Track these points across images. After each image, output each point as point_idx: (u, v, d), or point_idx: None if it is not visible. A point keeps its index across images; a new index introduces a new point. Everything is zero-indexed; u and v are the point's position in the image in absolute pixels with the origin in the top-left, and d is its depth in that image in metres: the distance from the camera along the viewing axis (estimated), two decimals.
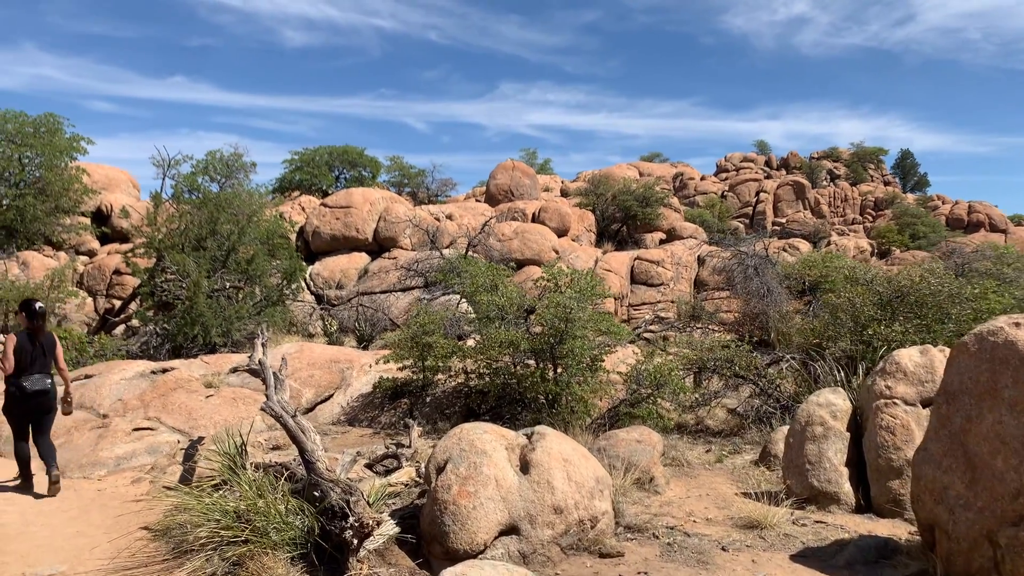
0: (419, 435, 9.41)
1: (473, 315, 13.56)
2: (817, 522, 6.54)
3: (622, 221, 34.23)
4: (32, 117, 24.34)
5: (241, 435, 7.18)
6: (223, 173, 17.56)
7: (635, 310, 25.59)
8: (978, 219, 53.97)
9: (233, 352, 14.30)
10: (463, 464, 5.60)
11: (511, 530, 5.43)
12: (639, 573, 5.25)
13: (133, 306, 17.34)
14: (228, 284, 15.72)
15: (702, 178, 59.57)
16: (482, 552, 5.23)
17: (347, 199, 27.86)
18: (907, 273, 10.64)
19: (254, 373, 7.87)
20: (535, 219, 30.43)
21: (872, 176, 66.03)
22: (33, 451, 7.53)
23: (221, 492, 6.45)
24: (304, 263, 21.74)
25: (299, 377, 11.60)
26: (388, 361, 11.35)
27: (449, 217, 29.40)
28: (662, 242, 33.70)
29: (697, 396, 10.73)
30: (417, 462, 7.85)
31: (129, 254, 16.53)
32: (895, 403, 6.97)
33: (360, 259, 26.22)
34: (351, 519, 5.18)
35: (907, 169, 73.21)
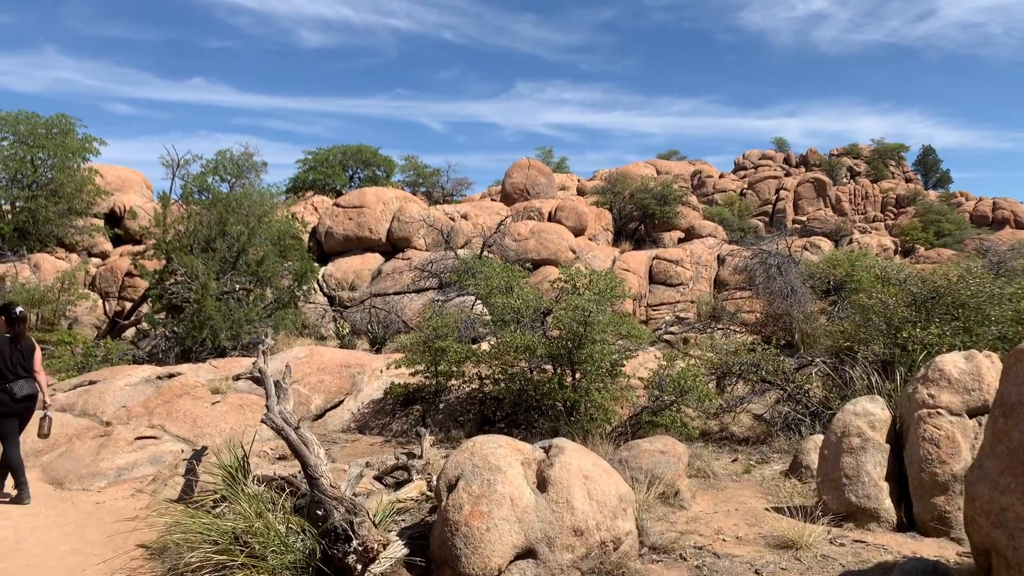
0: (431, 444, 9.03)
1: (488, 317, 13.17)
2: (856, 541, 6.10)
3: (640, 220, 33.69)
4: (44, 118, 24.23)
5: (243, 447, 6.84)
6: (233, 173, 17.26)
7: (654, 310, 25.09)
8: (1003, 216, 52.95)
9: (243, 356, 14.00)
10: (476, 481, 5.22)
11: (528, 553, 5.04)
12: None
13: (144, 308, 17.09)
14: (238, 286, 15.41)
15: (721, 176, 58.95)
16: None
17: (360, 199, 27.55)
18: (943, 272, 10.12)
19: (257, 381, 7.52)
20: (551, 218, 29.99)
21: (893, 173, 64.99)
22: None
23: (220, 509, 6.11)
24: (316, 264, 21.44)
25: (308, 382, 11.26)
26: (400, 366, 10.97)
27: (464, 217, 28.99)
28: (681, 241, 33.16)
29: (721, 402, 10.28)
30: (428, 474, 7.47)
31: (138, 256, 16.29)
32: (939, 413, 6.50)
33: (373, 260, 25.89)
34: (355, 542, 4.82)
35: (929, 166, 72.06)
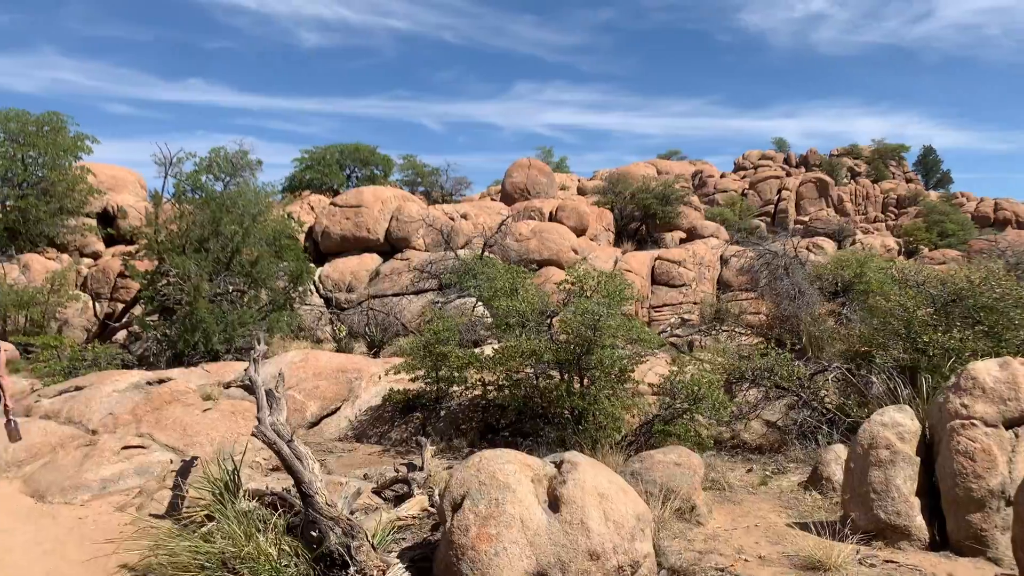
0: (433, 454, 8.62)
1: (490, 319, 12.76)
2: (887, 561, 5.72)
3: (641, 220, 33.28)
4: (35, 116, 23.74)
5: (234, 459, 6.43)
6: (228, 171, 16.80)
7: (656, 312, 24.68)
8: (1005, 216, 52.65)
9: (237, 359, 13.58)
10: (483, 501, 4.83)
11: None
12: None
13: (136, 311, 16.66)
14: (232, 288, 14.96)
15: (722, 176, 58.57)
16: None
17: (358, 198, 27.09)
18: (965, 274, 9.73)
19: (248, 390, 7.11)
20: (552, 218, 29.57)
21: (894, 173, 64.57)
22: None
23: (208, 528, 5.71)
24: (313, 265, 20.98)
25: (304, 388, 10.84)
26: (399, 372, 10.56)
27: (464, 216, 28.53)
28: (682, 241, 32.75)
29: (733, 408, 9.89)
30: (430, 488, 7.06)
31: (128, 257, 15.83)
32: (973, 424, 6.12)
33: (371, 260, 25.42)
34: (351, 568, 4.43)
35: (929, 166, 71.69)
